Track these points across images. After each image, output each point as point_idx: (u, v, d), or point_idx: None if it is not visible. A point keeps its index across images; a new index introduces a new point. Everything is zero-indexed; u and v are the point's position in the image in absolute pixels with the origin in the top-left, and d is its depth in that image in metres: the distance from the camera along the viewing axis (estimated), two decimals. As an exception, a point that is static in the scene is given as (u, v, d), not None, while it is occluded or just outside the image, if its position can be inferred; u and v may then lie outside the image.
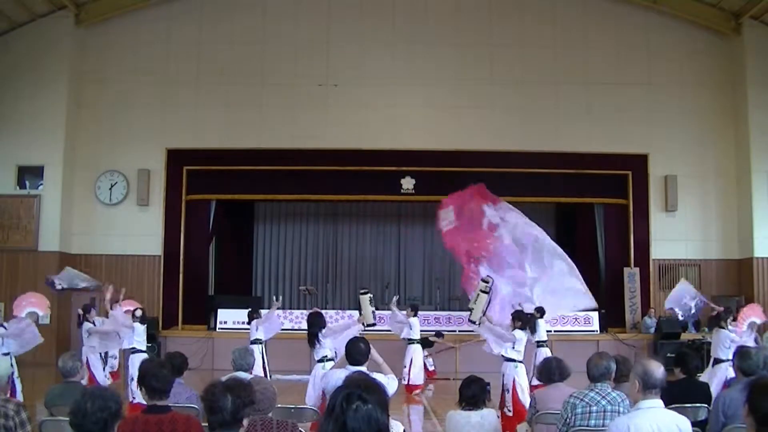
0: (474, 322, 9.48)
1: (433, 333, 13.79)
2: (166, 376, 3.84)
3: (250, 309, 11.56)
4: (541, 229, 11.47)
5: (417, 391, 11.79)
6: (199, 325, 15.91)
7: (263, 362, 10.80)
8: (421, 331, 12.47)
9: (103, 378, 10.11)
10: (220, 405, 3.00)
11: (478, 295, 9.56)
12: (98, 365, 10.16)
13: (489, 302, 9.46)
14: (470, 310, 9.68)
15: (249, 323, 11.15)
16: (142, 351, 9.92)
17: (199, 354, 13.96)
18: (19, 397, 8.10)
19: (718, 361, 9.26)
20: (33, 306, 9.74)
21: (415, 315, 12.27)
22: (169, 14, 16.82)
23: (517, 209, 12.00)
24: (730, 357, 8.29)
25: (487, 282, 9.67)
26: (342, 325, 8.71)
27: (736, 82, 16.61)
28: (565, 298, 10.50)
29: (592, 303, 11.16)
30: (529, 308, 9.80)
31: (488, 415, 4.90)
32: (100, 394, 3.13)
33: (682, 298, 12.56)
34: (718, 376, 8.85)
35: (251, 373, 5.61)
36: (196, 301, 16.40)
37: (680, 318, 13.30)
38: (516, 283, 9.91)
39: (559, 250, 11.13)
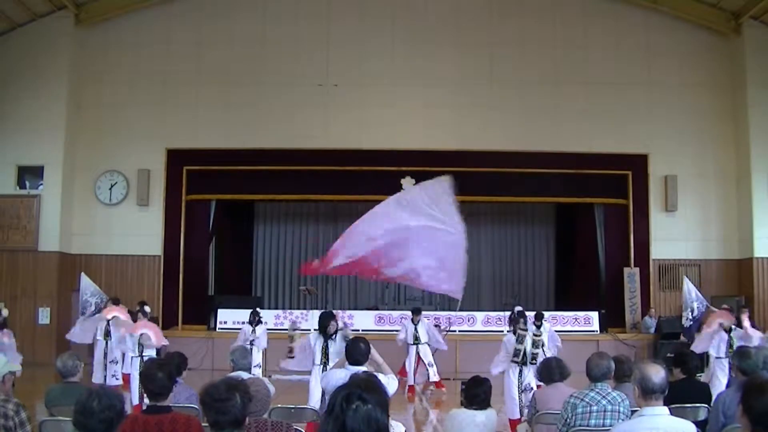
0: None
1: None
2: (160, 379, 3.83)
3: (253, 311, 11.60)
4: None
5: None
6: (199, 325, 15.91)
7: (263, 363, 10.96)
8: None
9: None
10: (231, 404, 2.99)
11: None
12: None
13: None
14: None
15: (252, 323, 11.23)
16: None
17: (199, 354, 13.96)
18: None
19: None
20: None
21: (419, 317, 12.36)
22: (169, 14, 16.81)
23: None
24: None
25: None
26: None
27: (736, 82, 16.60)
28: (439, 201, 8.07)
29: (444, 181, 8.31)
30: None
31: (492, 416, 4.97)
32: (105, 393, 3.14)
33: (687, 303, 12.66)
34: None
35: (251, 373, 5.61)
36: (196, 301, 16.40)
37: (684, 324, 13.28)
38: (423, 248, 8.04)
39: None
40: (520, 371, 8.37)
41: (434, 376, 11.96)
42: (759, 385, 3.01)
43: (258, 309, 11.73)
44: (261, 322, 11.40)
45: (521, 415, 7.89)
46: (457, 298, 8.08)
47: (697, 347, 9.31)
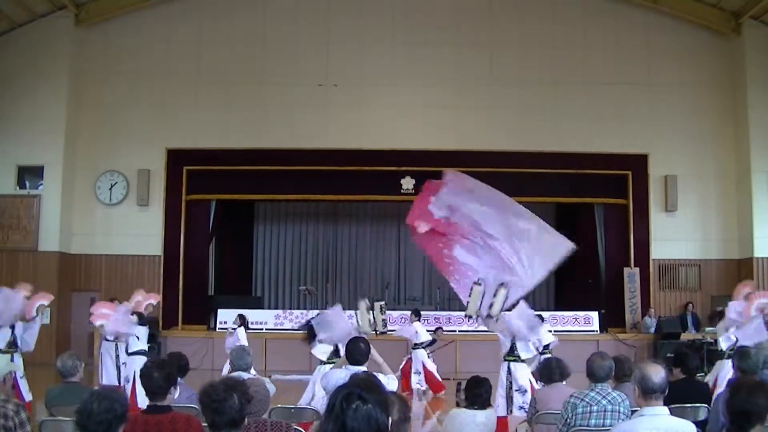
0: (470, 317, 8.88)
1: (433, 330, 13.71)
2: (158, 379, 3.83)
3: (240, 315, 11.56)
4: (493, 195, 9.49)
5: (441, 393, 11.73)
6: (199, 325, 15.91)
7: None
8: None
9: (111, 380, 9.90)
10: (229, 404, 2.99)
11: (473, 288, 9.15)
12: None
13: (483, 295, 9.08)
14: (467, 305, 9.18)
15: (242, 326, 11.21)
16: (141, 353, 9.83)
17: (199, 354, 13.95)
18: (27, 397, 7.98)
19: None
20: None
21: (418, 319, 12.29)
22: (169, 14, 16.81)
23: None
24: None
25: (479, 283, 9.28)
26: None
27: (736, 82, 16.60)
28: (549, 255, 9.32)
29: (569, 243, 9.53)
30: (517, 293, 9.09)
31: (492, 415, 4.98)
32: (107, 395, 3.11)
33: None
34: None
35: (250, 374, 5.61)
36: (196, 301, 16.40)
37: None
38: (496, 267, 9.06)
39: (519, 209, 9.50)
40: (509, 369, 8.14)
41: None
42: (740, 386, 3.02)
43: (243, 314, 11.67)
44: (246, 326, 11.37)
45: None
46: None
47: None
